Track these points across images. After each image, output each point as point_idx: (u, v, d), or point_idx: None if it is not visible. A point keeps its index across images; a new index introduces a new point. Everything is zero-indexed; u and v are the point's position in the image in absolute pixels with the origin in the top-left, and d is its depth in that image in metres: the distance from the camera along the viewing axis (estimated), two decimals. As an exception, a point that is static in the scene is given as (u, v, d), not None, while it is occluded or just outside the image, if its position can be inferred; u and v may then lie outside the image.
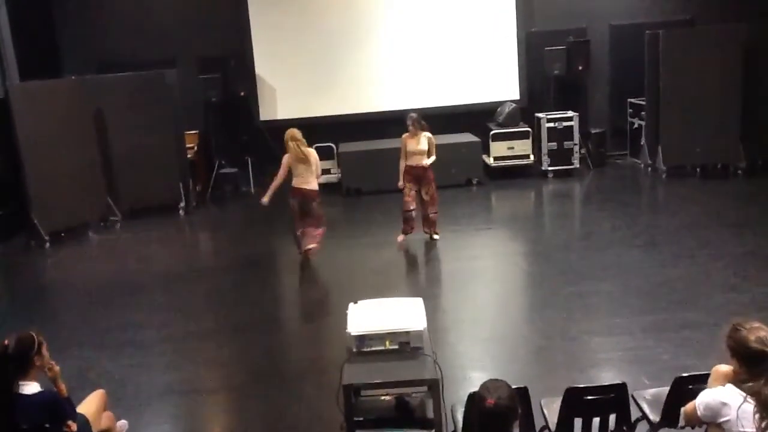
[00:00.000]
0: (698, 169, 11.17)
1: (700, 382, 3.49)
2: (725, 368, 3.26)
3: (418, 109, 11.95)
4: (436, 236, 8.65)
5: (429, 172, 8.43)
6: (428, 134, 8.39)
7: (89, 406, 4.08)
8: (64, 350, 5.84)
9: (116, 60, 11.57)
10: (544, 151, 11.69)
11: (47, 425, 3.60)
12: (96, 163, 10.56)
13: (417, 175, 8.41)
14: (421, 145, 8.31)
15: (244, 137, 12.34)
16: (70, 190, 10.00)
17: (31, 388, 3.62)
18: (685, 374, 3.70)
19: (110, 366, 5.93)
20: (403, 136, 8.47)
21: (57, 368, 3.81)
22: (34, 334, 3.71)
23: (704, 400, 3.18)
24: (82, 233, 10.26)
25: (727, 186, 10.68)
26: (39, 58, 11.38)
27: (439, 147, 8.59)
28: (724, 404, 3.10)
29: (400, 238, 8.58)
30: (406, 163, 8.41)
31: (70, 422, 3.68)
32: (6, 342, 3.62)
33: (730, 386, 3.14)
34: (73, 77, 10.75)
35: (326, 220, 8.38)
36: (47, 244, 9.69)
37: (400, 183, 8.50)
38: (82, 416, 3.90)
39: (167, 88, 11.01)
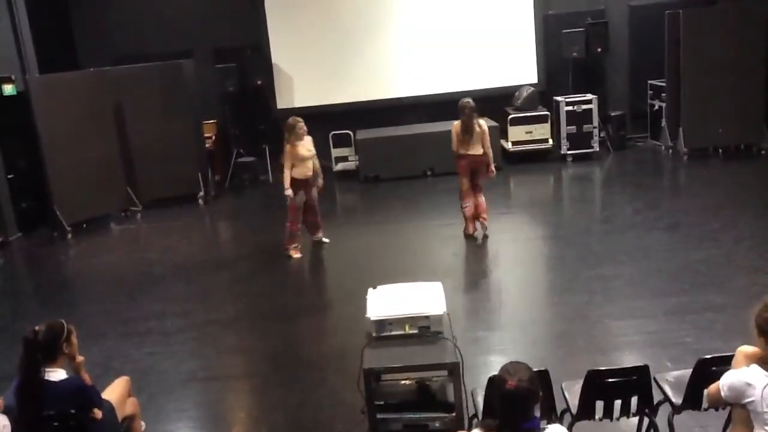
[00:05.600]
0: (720, 151, 11.02)
1: (724, 363, 3.44)
2: (750, 349, 3.22)
3: (436, 95, 12.04)
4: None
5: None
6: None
7: (114, 392, 4.12)
8: (88, 339, 5.90)
9: (133, 52, 11.66)
10: (563, 134, 11.60)
11: (73, 411, 3.64)
12: (115, 154, 10.66)
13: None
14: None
15: (262, 126, 12.38)
16: (90, 181, 10.11)
17: (58, 374, 3.67)
18: (708, 356, 3.67)
19: (133, 354, 6.00)
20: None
21: (81, 358, 3.86)
22: (64, 322, 3.76)
23: (728, 381, 3.14)
24: (104, 224, 10.37)
25: (751, 167, 10.52)
26: (57, 52, 11.48)
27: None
28: (749, 385, 3.06)
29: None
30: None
31: (95, 409, 3.73)
32: (37, 328, 3.68)
33: (754, 367, 3.11)
34: (91, 69, 10.83)
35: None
36: (69, 235, 9.82)
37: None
38: (108, 403, 3.94)
39: (184, 79, 11.07)
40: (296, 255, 8.18)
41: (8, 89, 9.98)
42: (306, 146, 8.00)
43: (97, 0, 12.31)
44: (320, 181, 8.29)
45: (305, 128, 8.00)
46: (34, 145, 9.75)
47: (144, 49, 11.78)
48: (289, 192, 7.90)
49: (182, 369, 5.70)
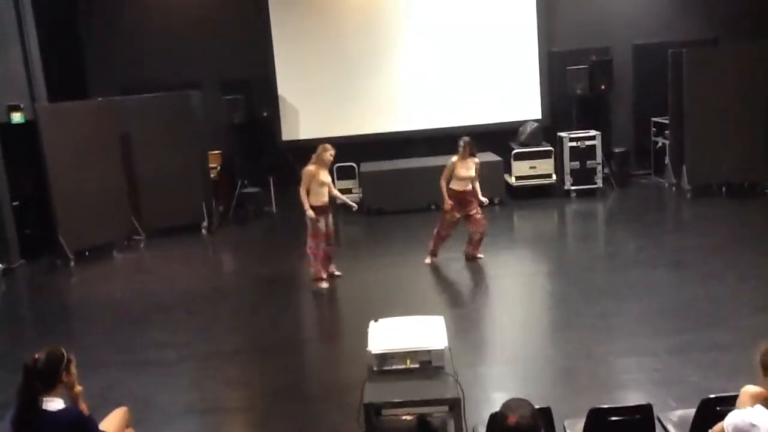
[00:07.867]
0: (724, 189, 11.03)
1: (728, 403, 3.41)
2: (754, 389, 3.19)
3: (440, 129, 12.12)
4: (480, 256, 8.60)
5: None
6: (476, 160, 8.39)
7: (112, 423, 4.07)
8: (88, 369, 5.80)
9: (141, 82, 11.77)
10: (567, 170, 11.64)
11: (70, 442, 3.60)
12: (121, 183, 10.70)
13: (462, 199, 8.38)
14: (470, 171, 8.32)
15: (267, 157, 12.45)
16: (95, 209, 10.13)
17: (55, 404, 3.63)
18: (712, 395, 3.63)
19: (133, 385, 5.95)
20: (454, 159, 8.35)
21: (80, 387, 3.82)
22: (64, 350, 3.73)
23: (733, 421, 3.11)
24: (107, 252, 10.37)
25: (754, 205, 10.52)
26: (66, 80, 11.62)
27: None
28: (754, 426, 3.02)
29: (428, 260, 8.59)
30: (452, 187, 8.34)
31: (92, 440, 3.69)
32: (36, 356, 3.64)
33: (759, 407, 3.07)
34: (99, 99, 10.94)
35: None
36: (72, 263, 9.81)
37: (447, 205, 8.35)
38: (105, 434, 3.91)
39: (192, 110, 11.16)
40: (325, 285, 7.98)
41: (17, 117, 10.08)
42: (326, 174, 7.97)
43: (107, 30, 12.49)
44: (349, 202, 8.42)
45: (331, 159, 7.95)
46: (40, 172, 9.82)
47: (152, 80, 11.90)
48: (311, 213, 7.68)
49: (182, 400, 5.65)
